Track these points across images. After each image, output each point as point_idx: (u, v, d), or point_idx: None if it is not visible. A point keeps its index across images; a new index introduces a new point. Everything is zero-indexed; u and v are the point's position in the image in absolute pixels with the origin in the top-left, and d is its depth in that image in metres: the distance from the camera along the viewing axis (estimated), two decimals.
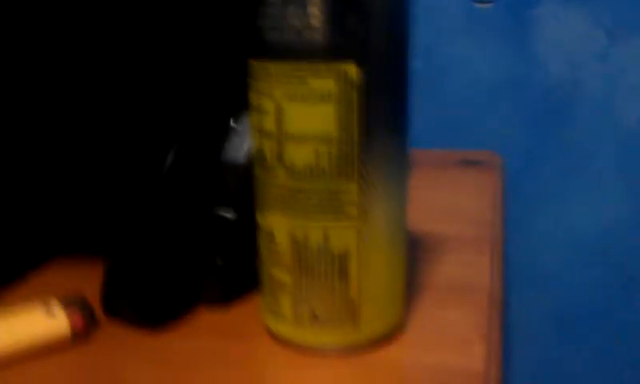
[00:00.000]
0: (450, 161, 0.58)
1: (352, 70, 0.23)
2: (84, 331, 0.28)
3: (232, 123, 0.30)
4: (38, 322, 0.28)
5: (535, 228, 0.64)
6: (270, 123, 0.25)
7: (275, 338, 0.28)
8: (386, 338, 0.28)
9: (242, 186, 0.30)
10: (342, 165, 0.24)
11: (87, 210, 0.35)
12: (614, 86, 0.60)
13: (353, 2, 0.23)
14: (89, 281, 0.35)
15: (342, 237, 0.25)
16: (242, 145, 0.30)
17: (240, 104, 0.30)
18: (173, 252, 0.29)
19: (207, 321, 0.30)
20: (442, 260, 0.36)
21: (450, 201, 0.47)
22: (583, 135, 0.61)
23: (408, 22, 0.25)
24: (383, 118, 0.24)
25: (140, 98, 0.32)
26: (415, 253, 0.37)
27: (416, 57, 0.63)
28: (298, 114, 0.24)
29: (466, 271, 0.35)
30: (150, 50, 0.31)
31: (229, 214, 0.30)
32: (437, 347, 0.28)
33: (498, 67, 0.61)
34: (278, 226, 0.26)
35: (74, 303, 0.29)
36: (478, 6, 0.61)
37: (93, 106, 0.33)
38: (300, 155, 0.24)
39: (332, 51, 0.23)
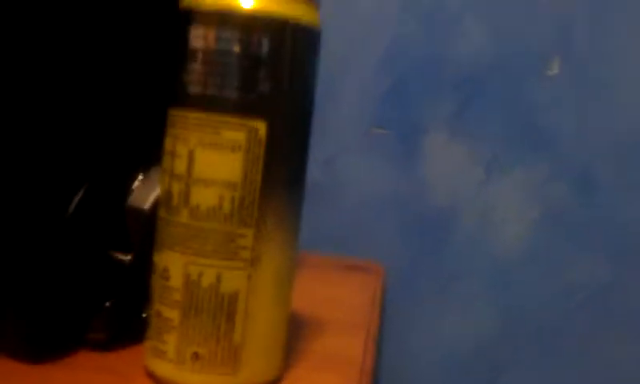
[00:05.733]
0: (336, 264, 0.61)
1: (261, 127, 0.27)
2: None
3: (141, 173, 0.32)
4: None
5: (409, 341, 0.68)
6: (181, 167, 0.27)
7: (156, 379, 0.29)
8: None
9: (143, 233, 0.32)
10: (242, 210, 0.27)
11: None
12: (486, 216, 0.67)
13: (267, 71, 0.26)
14: None
15: (233, 280, 0.27)
16: (148, 193, 0.32)
17: (150, 156, 0.32)
18: (62, 290, 0.30)
19: (89, 359, 0.31)
20: (321, 337, 0.39)
21: (333, 294, 0.50)
22: (458, 257, 0.67)
23: (313, 95, 0.29)
24: (284, 173, 0.28)
25: (52, 140, 0.34)
26: (297, 329, 0.40)
27: (315, 168, 0.68)
28: (208, 160, 0.27)
29: (341, 347, 0.37)
30: (65, 93, 0.34)
31: (124, 258, 0.32)
32: None
33: (387, 186, 0.67)
34: (173, 264, 0.28)
35: None
36: (376, 131, 0.67)
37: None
38: (205, 198, 0.27)
39: (246, 109, 0.26)
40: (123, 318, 0.32)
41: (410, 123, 0.67)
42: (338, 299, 0.48)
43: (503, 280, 0.67)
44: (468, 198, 0.67)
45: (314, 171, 0.68)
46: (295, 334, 0.38)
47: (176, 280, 0.28)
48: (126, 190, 0.32)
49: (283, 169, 0.28)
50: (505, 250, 0.67)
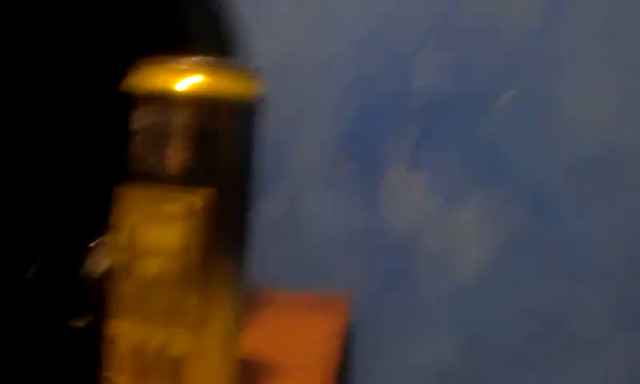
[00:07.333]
0: (301, 302, 0.63)
1: (198, 199, 0.28)
2: None
3: (92, 243, 0.34)
4: None
5: (378, 368, 0.69)
6: (124, 239, 0.29)
7: None
8: None
9: (97, 299, 0.33)
10: (185, 278, 0.28)
11: None
12: (448, 243, 0.68)
13: (204, 146, 0.28)
14: None
15: (180, 344, 0.29)
16: (100, 261, 0.33)
17: (103, 226, 0.34)
18: (22, 357, 0.31)
19: None
20: (277, 381, 0.40)
21: (295, 335, 0.51)
22: (420, 285, 0.69)
23: (252, 164, 0.31)
24: (225, 240, 0.29)
25: (10, 215, 0.35)
26: (256, 374, 0.41)
27: (279, 205, 0.69)
28: (150, 233, 0.28)
29: None
30: (21, 172, 0.35)
31: (79, 324, 0.33)
32: None
33: (349, 219, 0.69)
34: (121, 332, 0.29)
35: None
36: (337, 166, 0.69)
37: None
38: (148, 267, 0.28)
39: (183, 183, 0.28)
40: (81, 382, 0.34)
41: (370, 157, 0.69)
42: (300, 340, 0.50)
43: (467, 306, 0.68)
44: (429, 227, 0.69)
45: (278, 208, 0.69)
46: (251, 379, 0.40)
47: (124, 347, 0.29)
48: (80, 258, 0.34)
49: (224, 236, 0.29)
50: (468, 276, 0.68)
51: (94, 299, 0.33)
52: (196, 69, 0.29)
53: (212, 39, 0.43)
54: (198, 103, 0.28)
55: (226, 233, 0.30)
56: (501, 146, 0.68)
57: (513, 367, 0.68)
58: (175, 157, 0.28)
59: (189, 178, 0.28)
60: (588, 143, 0.67)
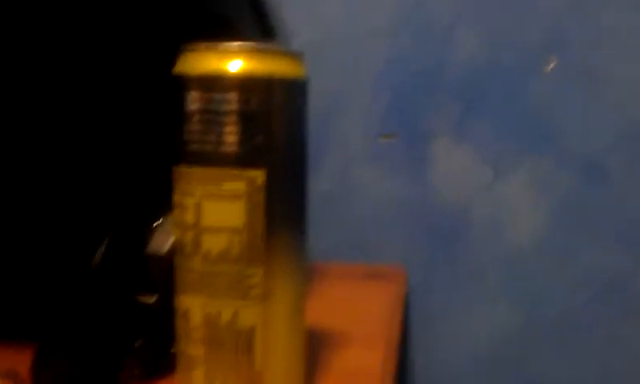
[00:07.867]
0: (358, 273, 0.63)
1: (259, 176, 0.29)
2: None
3: (157, 222, 0.35)
4: None
5: (432, 338, 0.70)
6: (190, 218, 0.30)
7: None
8: None
9: (164, 276, 0.34)
10: (250, 252, 0.29)
11: (20, 298, 0.39)
12: (498, 213, 0.68)
13: (260, 124, 0.29)
14: (22, 362, 0.37)
15: (248, 315, 0.30)
16: (164, 240, 0.34)
17: (164, 206, 0.35)
18: (95, 333, 0.33)
19: None
20: (341, 351, 0.41)
21: (355, 305, 0.52)
22: (472, 255, 0.68)
23: (305, 140, 0.31)
24: (285, 214, 0.30)
25: (78, 200, 0.37)
26: (318, 344, 0.42)
27: (327, 180, 0.70)
28: (214, 210, 0.29)
29: (361, 361, 0.40)
30: (88, 162, 0.36)
31: (149, 301, 0.34)
32: None
33: (398, 192, 0.69)
34: (193, 306, 0.30)
35: (8, 376, 0.32)
36: (383, 140, 0.69)
37: (32, 200, 0.37)
38: (214, 244, 0.29)
39: (243, 161, 0.29)
40: (154, 355, 0.35)
41: (415, 130, 0.69)
42: (359, 310, 0.51)
43: (520, 274, 0.68)
44: (479, 197, 0.68)
45: (327, 183, 0.70)
46: (316, 348, 0.41)
47: (196, 320, 0.30)
48: (145, 238, 0.35)
49: (284, 211, 0.30)
50: (519, 245, 0.68)
51: (162, 276, 0.34)
52: (246, 50, 0.29)
53: (253, 24, 0.44)
54: (252, 83, 0.29)
55: (286, 207, 0.30)
56: (547, 115, 0.67)
57: (568, 333, 0.68)
58: (232, 136, 0.29)
59: (246, 156, 0.29)
60: (636, 107, 0.65)
